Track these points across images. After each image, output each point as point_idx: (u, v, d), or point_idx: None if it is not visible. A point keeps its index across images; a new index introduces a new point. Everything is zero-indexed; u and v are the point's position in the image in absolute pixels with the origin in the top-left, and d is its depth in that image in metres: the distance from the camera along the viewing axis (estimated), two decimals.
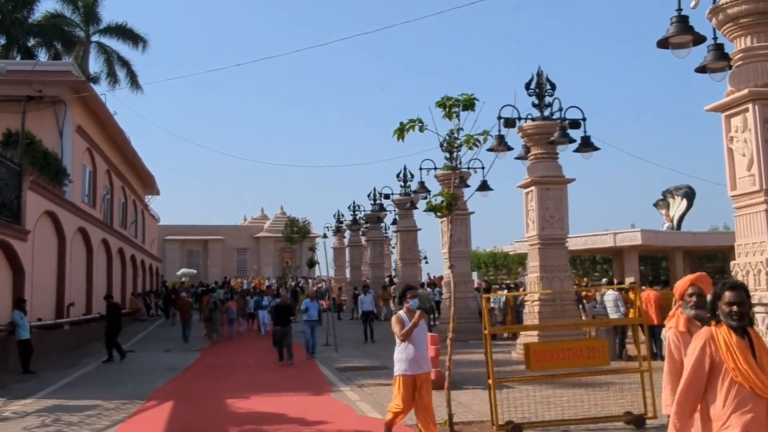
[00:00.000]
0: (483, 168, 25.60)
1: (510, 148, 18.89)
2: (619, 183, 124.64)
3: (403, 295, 9.24)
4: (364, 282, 37.43)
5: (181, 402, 12.78)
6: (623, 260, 37.21)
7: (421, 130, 10.60)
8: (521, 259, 51.63)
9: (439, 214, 10.70)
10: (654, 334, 17.42)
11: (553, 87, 18.86)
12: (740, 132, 10.71)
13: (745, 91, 10.33)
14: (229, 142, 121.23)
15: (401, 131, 10.54)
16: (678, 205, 51.32)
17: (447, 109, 10.25)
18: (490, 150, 18.75)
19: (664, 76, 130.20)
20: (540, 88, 18.82)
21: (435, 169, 26.05)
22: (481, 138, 10.71)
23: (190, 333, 26.52)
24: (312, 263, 31.57)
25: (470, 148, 10.41)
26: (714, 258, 49.65)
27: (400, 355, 9.01)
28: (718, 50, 11.50)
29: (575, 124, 18.18)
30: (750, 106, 10.41)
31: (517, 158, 19.47)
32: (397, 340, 9.01)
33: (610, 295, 18.11)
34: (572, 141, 18.15)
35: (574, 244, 39.72)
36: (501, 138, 18.56)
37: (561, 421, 9.77)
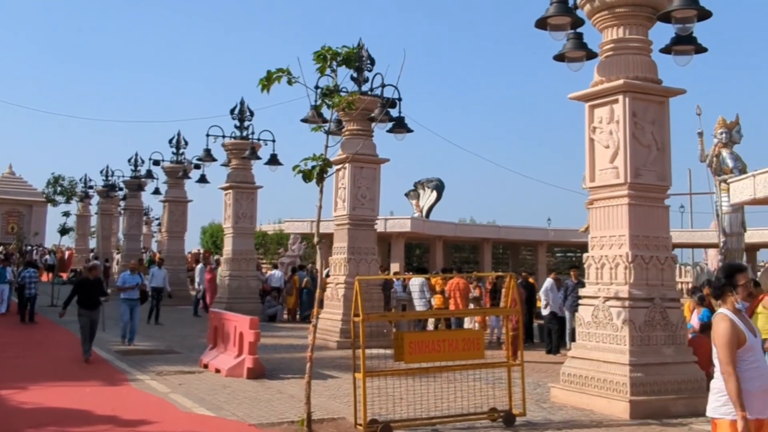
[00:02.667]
0: (273, 141, 24.20)
1: (326, 121, 17.75)
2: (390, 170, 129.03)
3: (731, 278, 5.20)
4: (123, 253, 34.03)
5: None
6: (390, 246, 37.76)
7: (289, 82, 9.11)
8: (281, 239, 50.65)
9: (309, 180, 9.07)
10: (461, 323, 17.33)
11: (372, 62, 18.02)
12: (605, 123, 10.56)
13: (621, 81, 10.15)
14: None
15: (268, 80, 8.98)
16: (428, 197, 53.60)
17: (326, 62, 8.85)
18: (304, 121, 17.56)
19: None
20: (360, 62, 17.86)
21: (223, 137, 24.12)
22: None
23: None
24: (65, 230, 28.07)
25: (343, 110, 9.04)
26: (462, 248, 52.55)
27: (743, 383, 5.02)
28: (578, 39, 11.31)
29: (391, 103, 17.53)
30: (621, 97, 10.26)
31: (329, 133, 18.30)
32: (724, 362, 5.09)
33: (415, 282, 17.72)
34: (393, 120, 17.50)
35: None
36: (318, 108, 17.40)
37: (428, 419, 8.87)
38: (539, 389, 11.39)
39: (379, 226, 38.45)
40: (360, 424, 8.40)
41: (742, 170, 25.22)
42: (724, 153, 26.17)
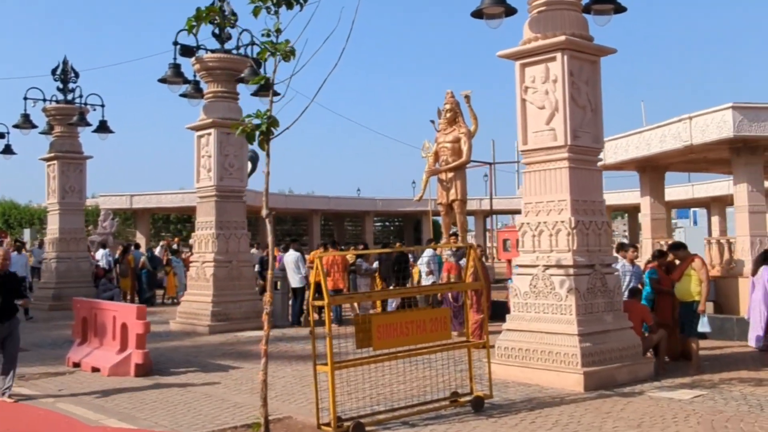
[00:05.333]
0: (103, 106, 21.64)
1: (187, 81, 15.97)
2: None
3: None
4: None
5: None
6: None
7: (219, 25, 7.61)
8: (87, 215, 46.47)
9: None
10: None
11: (236, 18, 16.25)
12: (539, 83, 10.01)
13: (562, 38, 9.61)
14: None
15: (198, 20, 7.42)
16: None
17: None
18: (162, 81, 15.60)
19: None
20: (222, 16, 16.07)
21: (45, 101, 21.13)
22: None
23: None
24: None
25: (286, 59, 7.68)
26: (284, 221, 51.32)
27: None
28: None
29: (257, 63, 16.00)
30: (559, 55, 9.74)
31: (185, 96, 16.41)
32: None
33: (290, 256, 16.46)
34: (264, 81, 16.00)
35: (178, 200, 37.06)
36: (177, 67, 15.57)
37: (391, 410, 7.88)
38: (464, 364, 10.72)
39: None
40: (326, 424, 7.23)
41: None
42: None
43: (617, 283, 10.13)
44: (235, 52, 16.06)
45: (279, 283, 16.71)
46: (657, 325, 10.60)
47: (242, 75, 15.54)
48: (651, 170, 21.23)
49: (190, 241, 39.83)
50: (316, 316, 17.11)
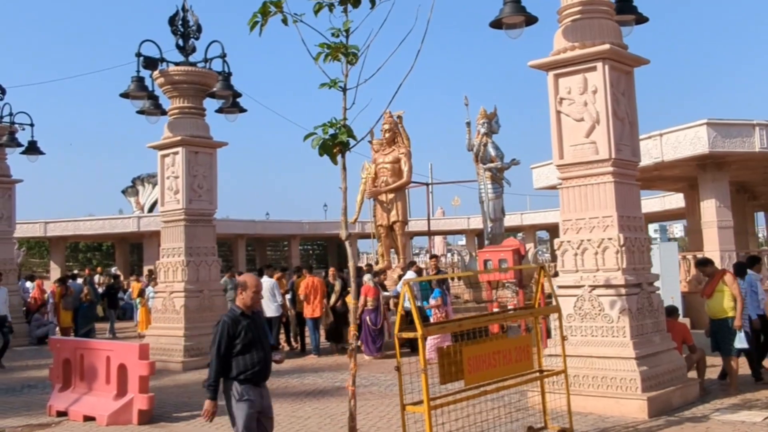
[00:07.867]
0: (32, 125, 20.00)
1: (152, 96, 14.75)
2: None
3: None
4: None
5: None
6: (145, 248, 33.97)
7: (284, 21, 6.69)
8: None
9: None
10: (317, 325, 15.52)
11: (200, 30, 15.17)
12: (576, 94, 9.55)
13: (606, 46, 9.18)
14: None
15: (263, 15, 6.48)
16: (150, 193, 50.16)
17: None
18: (124, 96, 14.33)
19: None
20: (185, 26, 14.97)
21: None
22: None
23: None
24: None
25: (350, 63, 6.82)
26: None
27: None
28: (516, 2, 10.16)
29: (225, 78, 15.00)
30: (600, 65, 9.32)
31: (142, 112, 15.07)
32: None
33: (265, 283, 15.35)
34: (238, 97, 15.03)
35: (98, 227, 34.86)
36: (141, 81, 14.36)
37: None
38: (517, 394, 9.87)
39: (131, 226, 34.60)
40: None
41: (502, 158, 26.13)
42: (489, 142, 26.96)
43: (661, 302, 9.73)
44: (201, 65, 14.97)
45: None
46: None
47: (213, 90, 14.47)
48: None
49: (113, 270, 37.74)
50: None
